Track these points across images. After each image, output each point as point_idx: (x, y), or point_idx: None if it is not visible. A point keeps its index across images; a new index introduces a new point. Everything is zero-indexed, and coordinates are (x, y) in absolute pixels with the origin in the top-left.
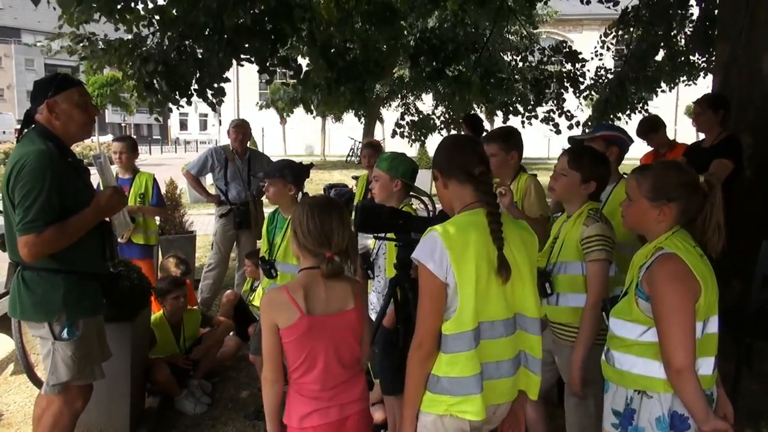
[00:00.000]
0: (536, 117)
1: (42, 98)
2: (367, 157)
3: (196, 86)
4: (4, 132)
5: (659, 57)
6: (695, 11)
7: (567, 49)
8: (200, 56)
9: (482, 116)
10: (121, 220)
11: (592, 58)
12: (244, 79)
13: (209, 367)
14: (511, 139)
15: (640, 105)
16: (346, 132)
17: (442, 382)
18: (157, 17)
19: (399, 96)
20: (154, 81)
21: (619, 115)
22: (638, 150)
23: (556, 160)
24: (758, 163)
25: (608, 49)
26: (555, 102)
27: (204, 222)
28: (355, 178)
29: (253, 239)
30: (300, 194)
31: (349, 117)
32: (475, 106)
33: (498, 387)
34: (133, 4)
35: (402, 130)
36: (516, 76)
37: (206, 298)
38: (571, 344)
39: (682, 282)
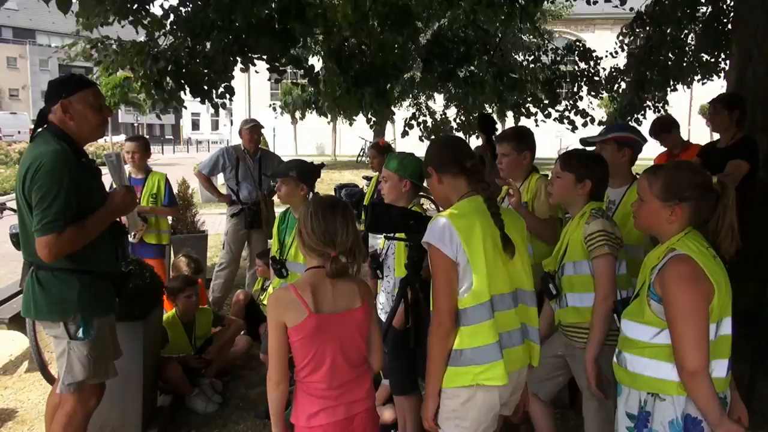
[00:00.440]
0: (549, 116)
1: (56, 99)
2: (372, 158)
3: (205, 86)
4: (19, 132)
5: (671, 55)
6: (705, 10)
7: (581, 48)
8: (207, 55)
9: (494, 116)
10: (132, 220)
11: (605, 57)
12: (255, 79)
13: (221, 366)
14: (524, 139)
15: (661, 105)
16: (357, 132)
17: (466, 353)
18: (171, 17)
19: (410, 95)
20: (164, 80)
21: (638, 116)
22: (652, 150)
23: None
24: None
25: (623, 49)
26: (571, 101)
27: (215, 221)
28: (367, 178)
29: (264, 239)
30: (311, 194)
31: (360, 117)
32: (486, 106)
33: (513, 354)
34: (148, 7)
35: (413, 128)
36: (528, 77)
37: (217, 297)
38: (584, 346)
39: (694, 283)
